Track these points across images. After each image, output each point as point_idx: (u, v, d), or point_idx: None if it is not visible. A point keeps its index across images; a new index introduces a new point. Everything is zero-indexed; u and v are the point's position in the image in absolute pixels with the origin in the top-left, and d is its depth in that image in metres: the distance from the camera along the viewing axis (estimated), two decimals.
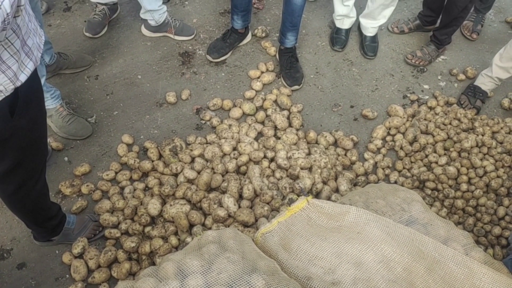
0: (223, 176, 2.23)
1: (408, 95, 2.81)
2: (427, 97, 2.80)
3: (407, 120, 2.64)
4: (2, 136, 1.36)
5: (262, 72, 2.79)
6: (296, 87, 2.74)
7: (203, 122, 2.56)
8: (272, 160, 2.33)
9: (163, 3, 2.79)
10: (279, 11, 3.16)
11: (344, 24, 2.98)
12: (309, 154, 2.38)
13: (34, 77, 1.37)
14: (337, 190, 2.24)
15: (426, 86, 2.87)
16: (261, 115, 2.55)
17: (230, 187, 2.14)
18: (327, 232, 1.60)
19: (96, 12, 2.88)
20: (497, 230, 2.16)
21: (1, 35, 1.13)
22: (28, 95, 1.36)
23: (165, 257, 1.47)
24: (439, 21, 2.99)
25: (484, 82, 2.72)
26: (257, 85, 2.72)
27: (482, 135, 2.52)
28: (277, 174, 2.24)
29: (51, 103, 2.32)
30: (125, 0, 3.12)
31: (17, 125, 1.36)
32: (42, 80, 2.20)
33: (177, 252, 1.51)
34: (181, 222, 1.98)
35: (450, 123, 2.60)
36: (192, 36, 2.95)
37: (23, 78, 1.29)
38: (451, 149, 2.46)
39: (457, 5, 2.71)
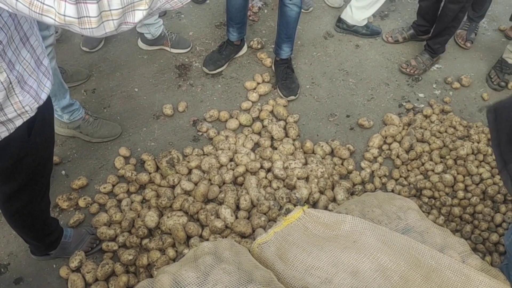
0: (220, 187, 2.23)
1: (404, 103, 2.83)
2: (422, 105, 2.82)
3: (403, 129, 2.66)
4: (18, 156, 1.37)
5: (258, 83, 2.81)
6: (292, 97, 2.76)
7: (200, 133, 2.57)
8: (269, 170, 2.33)
9: (159, 16, 2.82)
10: (274, 23, 3.19)
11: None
12: (305, 164, 2.39)
13: (48, 97, 1.39)
14: (334, 200, 2.24)
15: (421, 95, 2.89)
16: (257, 126, 2.57)
17: (227, 198, 2.14)
18: (324, 242, 1.60)
19: None
20: (494, 237, 2.16)
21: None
22: (44, 113, 1.38)
23: (161, 269, 1.47)
24: (432, 30, 3.03)
25: (510, 56, 2.88)
26: (254, 96, 2.73)
27: (478, 143, 2.53)
28: (274, 185, 2.24)
29: (78, 114, 2.37)
30: None
31: (33, 144, 1.37)
32: (67, 95, 2.25)
33: (173, 264, 1.51)
34: (178, 234, 1.98)
35: (445, 131, 2.61)
36: (188, 49, 2.97)
37: (44, 96, 1.32)
38: (447, 157, 2.47)
39: (448, 15, 2.75)
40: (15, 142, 1.32)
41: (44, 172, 1.58)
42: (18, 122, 1.27)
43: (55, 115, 2.24)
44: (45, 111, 1.38)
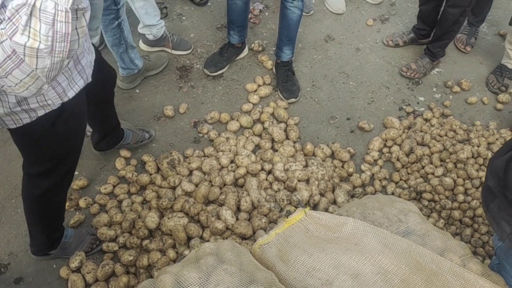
0: (220, 188, 2.24)
1: (404, 107, 2.84)
2: (422, 109, 2.83)
3: (403, 132, 2.66)
4: (41, 142, 1.46)
5: (259, 86, 2.81)
6: (293, 100, 2.76)
7: (201, 135, 2.57)
8: (269, 172, 2.34)
9: (161, 18, 2.82)
10: (275, 25, 3.20)
11: None
12: (306, 166, 2.39)
13: (82, 93, 1.45)
14: (334, 202, 2.25)
15: (421, 98, 2.90)
16: (258, 128, 2.57)
17: (227, 199, 2.14)
18: (325, 244, 1.60)
19: None
20: None
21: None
22: (73, 107, 1.44)
23: (163, 270, 1.47)
24: (432, 34, 3.04)
25: (509, 61, 2.91)
26: (254, 98, 2.74)
27: (478, 146, 2.54)
28: (275, 187, 2.25)
29: (139, 62, 2.65)
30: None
31: (55, 134, 1.45)
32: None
33: (175, 265, 1.51)
34: (179, 235, 1.98)
35: (445, 135, 2.62)
36: (190, 50, 2.98)
37: (71, 94, 1.37)
38: (447, 160, 2.48)
39: (448, 19, 2.76)
40: (38, 129, 1.40)
41: (67, 162, 1.64)
42: (40, 112, 1.34)
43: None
44: (74, 105, 1.44)
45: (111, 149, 2.37)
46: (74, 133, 1.57)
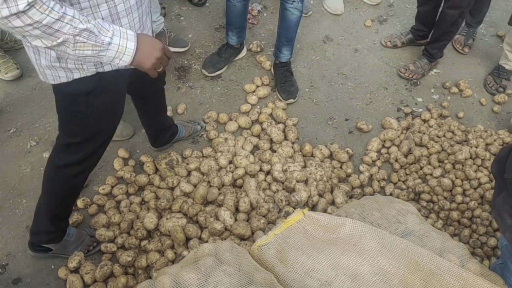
0: (219, 189, 2.23)
1: (402, 108, 2.84)
2: (420, 110, 2.83)
3: (402, 133, 2.67)
4: (74, 105, 1.52)
5: (258, 86, 2.82)
6: (291, 100, 2.77)
7: (199, 136, 2.57)
8: (268, 173, 2.34)
9: (160, 14, 2.81)
10: (274, 26, 3.21)
11: None
12: (304, 167, 2.39)
13: (122, 74, 1.51)
14: (333, 203, 2.25)
15: (419, 99, 2.90)
16: (256, 128, 2.57)
17: (226, 200, 2.14)
18: (323, 244, 1.60)
19: None
20: (492, 242, 2.17)
21: None
22: (110, 85, 1.49)
23: (161, 271, 1.47)
24: (431, 35, 3.04)
25: (507, 63, 2.92)
26: (253, 99, 2.74)
27: (476, 147, 2.55)
28: (273, 187, 2.25)
29: None
30: None
31: (88, 104, 1.51)
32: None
33: (174, 266, 1.51)
34: (177, 236, 1.98)
35: (444, 136, 2.62)
36: (186, 48, 2.96)
37: (107, 68, 1.42)
38: (446, 161, 2.48)
39: (447, 20, 2.76)
40: (73, 94, 1.47)
41: (95, 142, 1.67)
42: (76, 75, 1.41)
43: None
44: (111, 82, 1.49)
45: (167, 144, 2.44)
46: (107, 112, 1.60)
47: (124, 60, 1.30)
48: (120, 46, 1.26)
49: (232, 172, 2.30)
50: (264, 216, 2.09)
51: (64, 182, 1.77)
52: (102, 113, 1.57)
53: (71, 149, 1.67)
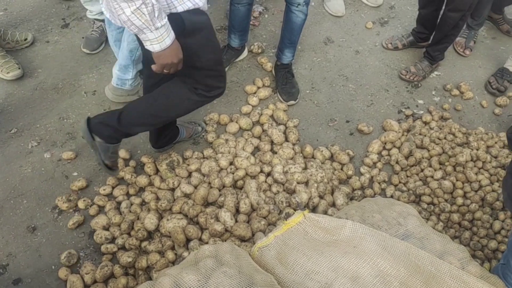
0: (220, 190, 2.23)
1: (403, 110, 2.84)
2: (421, 112, 2.83)
3: (402, 135, 2.67)
4: (181, 38, 1.65)
5: (259, 88, 2.82)
6: (292, 102, 2.77)
7: (200, 136, 2.57)
8: (268, 174, 2.34)
9: None
10: (275, 27, 3.21)
11: None
12: (305, 168, 2.39)
13: (200, 16, 1.71)
14: (333, 205, 2.25)
15: (420, 101, 2.90)
16: (257, 130, 2.57)
17: (227, 201, 2.14)
18: (324, 246, 1.60)
19: (93, 28, 2.92)
20: (493, 244, 2.16)
21: None
22: (192, 25, 1.68)
23: (162, 272, 1.47)
24: (432, 37, 3.04)
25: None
26: (254, 100, 2.74)
27: (477, 150, 2.55)
28: (274, 189, 2.25)
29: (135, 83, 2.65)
30: None
31: (186, 42, 1.68)
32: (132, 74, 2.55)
33: (174, 267, 1.51)
34: (178, 237, 1.98)
35: (445, 138, 2.62)
36: None
37: (180, 9, 1.61)
38: (446, 164, 2.48)
39: (448, 23, 2.76)
40: (175, 29, 1.61)
41: (207, 79, 1.90)
42: (166, 10, 1.59)
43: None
44: (193, 23, 1.67)
45: (168, 145, 2.46)
46: (201, 51, 1.77)
47: (155, 47, 1.56)
48: (162, 36, 1.53)
49: (233, 174, 2.30)
50: (264, 218, 2.09)
51: (179, 96, 1.96)
52: (198, 50, 1.78)
53: (186, 73, 1.86)
